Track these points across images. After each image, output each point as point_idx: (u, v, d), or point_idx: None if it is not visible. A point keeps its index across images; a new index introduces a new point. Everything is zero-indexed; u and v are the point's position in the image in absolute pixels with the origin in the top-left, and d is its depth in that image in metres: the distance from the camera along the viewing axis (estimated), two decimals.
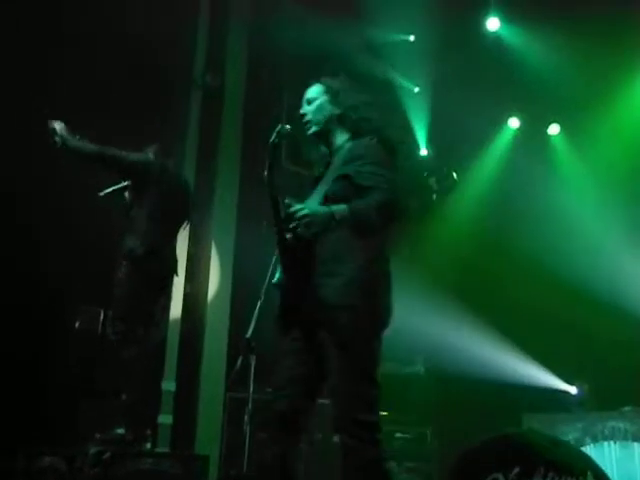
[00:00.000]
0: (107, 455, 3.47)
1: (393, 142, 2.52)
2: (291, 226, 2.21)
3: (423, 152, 7.28)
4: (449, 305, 6.19)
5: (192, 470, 3.81)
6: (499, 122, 7.08)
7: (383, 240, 2.43)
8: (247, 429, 2.98)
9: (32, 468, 3.52)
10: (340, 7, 5.81)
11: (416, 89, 6.97)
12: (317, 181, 2.56)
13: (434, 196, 7.19)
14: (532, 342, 6.10)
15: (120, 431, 3.73)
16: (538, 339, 6.09)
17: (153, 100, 5.12)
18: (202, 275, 5.61)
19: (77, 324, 4.55)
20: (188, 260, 5.43)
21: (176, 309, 5.34)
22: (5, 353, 4.22)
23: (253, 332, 2.51)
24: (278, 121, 2.50)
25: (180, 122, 5.70)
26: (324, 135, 2.58)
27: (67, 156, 3.85)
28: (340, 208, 2.26)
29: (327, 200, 2.36)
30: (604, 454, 4.87)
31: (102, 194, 4.02)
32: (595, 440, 4.98)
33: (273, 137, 2.35)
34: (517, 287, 6.35)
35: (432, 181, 7.18)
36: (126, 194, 4.13)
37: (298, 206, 2.23)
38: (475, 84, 6.34)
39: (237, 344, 2.56)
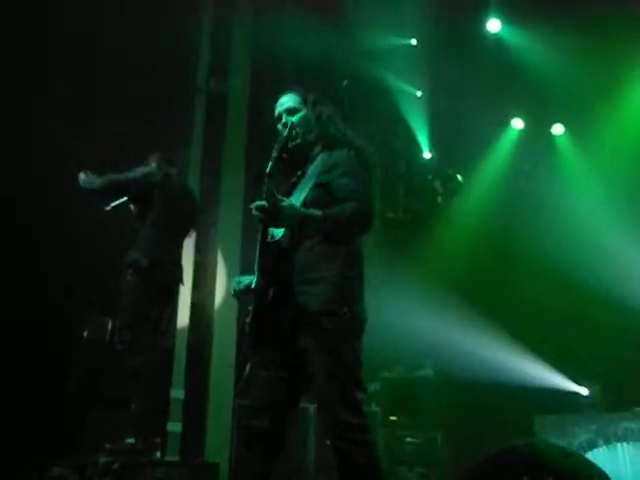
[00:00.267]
0: (117, 465, 3.46)
1: (367, 156, 2.60)
2: (267, 212, 2.29)
3: (427, 155, 7.27)
4: (457, 308, 6.16)
5: (202, 478, 3.80)
6: (503, 123, 7.06)
7: (357, 247, 2.52)
8: None
9: (43, 478, 3.51)
10: (342, 13, 5.82)
11: (418, 93, 6.97)
12: (291, 188, 2.61)
13: (439, 199, 7.18)
14: (542, 343, 6.06)
15: (130, 440, 3.71)
16: (547, 340, 6.05)
17: (157, 106, 5.13)
18: (209, 283, 5.60)
19: (85, 333, 4.55)
20: (194, 268, 5.43)
21: (184, 318, 5.34)
22: (14, 363, 4.22)
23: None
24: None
25: (184, 128, 5.71)
26: (305, 145, 2.63)
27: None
28: (316, 211, 2.36)
29: (305, 207, 2.44)
30: (617, 455, 4.82)
31: (109, 208, 4.03)
32: (608, 442, 4.92)
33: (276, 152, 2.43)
34: (525, 288, 6.32)
35: (437, 184, 7.18)
36: (131, 206, 4.15)
37: (280, 197, 2.32)
38: (478, 86, 6.35)
39: (245, 351, 2.54)
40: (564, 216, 6.26)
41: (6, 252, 4.33)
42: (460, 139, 6.73)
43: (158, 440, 3.94)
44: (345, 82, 6.71)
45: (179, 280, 4.19)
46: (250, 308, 2.43)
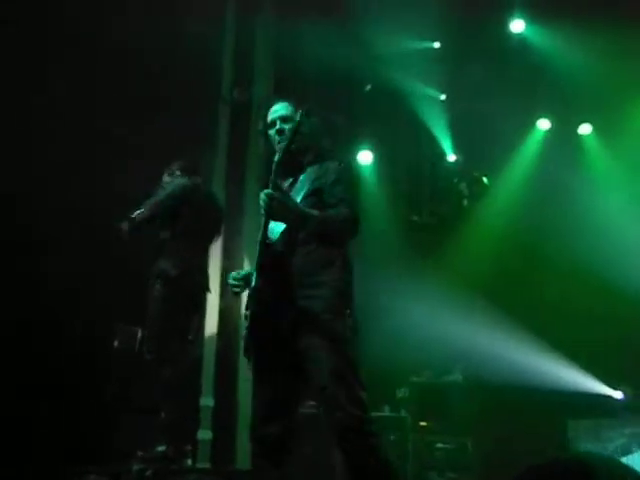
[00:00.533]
0: (150, 472, 3.50)
1: (356, 169, 2.77)
2: (274, 201, 2.37)
3: (451, 158, 7.23)
4: (485, 311, 6.11)
5: None
6: (528, 124, 6.99)
7: (348, 252, 2.61)
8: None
9: None
10: (363, 18, 5.83)
11: (442, 96, 6.94)
12: None
13: (465, 202, 7.13)
14: (572, 346, 5.97)
15: (161, 448, 3.75)
16: (578, 342, 5.96)
17: (182, 115, 5.19)
18: None
19: (115, 343, 4.61)
20: (221, 275, 5.46)
21: (212, 325, 5.38)
22: (46, 372, 4.29)
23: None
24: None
25: (209, 137, 5.76)
26: (295, 154, 2.67)
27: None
28: (314, 212, 2.48)
29: None
30: None
31: (133, 216, 4.08)
32: None
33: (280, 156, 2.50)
34: (554, 289, 6.25)
35: (463, 186, 7.13)
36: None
37: (285, 191, 2.46)
38: (502, 87, 6.30)
39: (245, 356, 2.58)
40: (592, 216, 6.17)
41: (47, 271, 4.41)
42: (485, 141, 6.67)
43: (189, 448, 3.97)
44: (368, 87, 6.72)
45: (206, 288, 4.22)
46: (247, 312, 2.47)
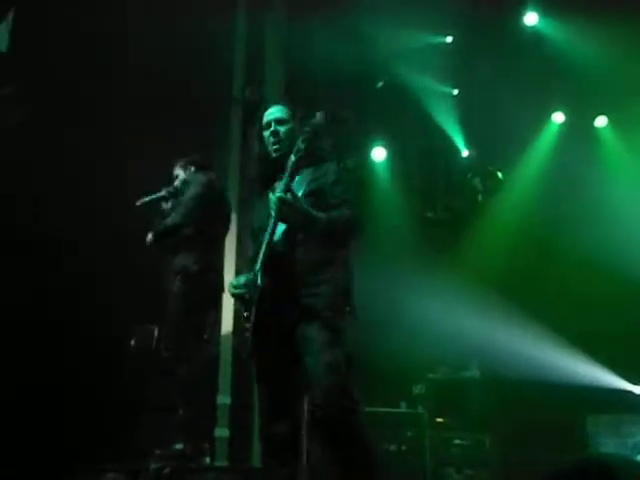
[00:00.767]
0: (168, 470, 3.52)
1: (356, 170, 2.82)
2: (285, 204, 2.41)
3: (465, 153, 7.19)
4: (500, 306, 6.07)
5: None
6: (543, 118, 6.92)
7: (350, 252, 2.68)
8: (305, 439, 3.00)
9: None
10: (375, 14, 5.81)
11: (455, 91, 6.90)
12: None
13: (479, 197, 7.09)
14: (591, 340, 5.91)
15: (179, 446, 3.77)
16: (597, 337, 5.90)
17: (194, 116, 5.22)
18: None
19: (132, 342, 4.64)
20: (235, 273, 5.47)
21: (227, 323, 5.40)
22: (63, 371, 4.34)
23: None
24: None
25: (221, 137, 5.79)
26: (288, 157, 2.69)
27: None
28: (320, 214, 2.51)
29: None
30: None
31: (139, 203, 4.07)
32: None
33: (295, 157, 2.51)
34: (571, 284, 6.18)
35: (477, 182, 7.09)
36: (163, 204, 4.16)
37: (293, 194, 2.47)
38: (516, 81, 6.25)
39: (248, 353, 2.62)
40: (608, 209, 6.11)
41: (61, 271, 4.46)
42: (499, 136, 6.62)
43: (206, 446, 3.99)
44: (380, 83, 6.70)
45: (222, 286, 4.23)
46: (247, 313, 2.52)
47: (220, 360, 5.28)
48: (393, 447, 5.36)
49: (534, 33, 6.37)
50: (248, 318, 2.52)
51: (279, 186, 2.54)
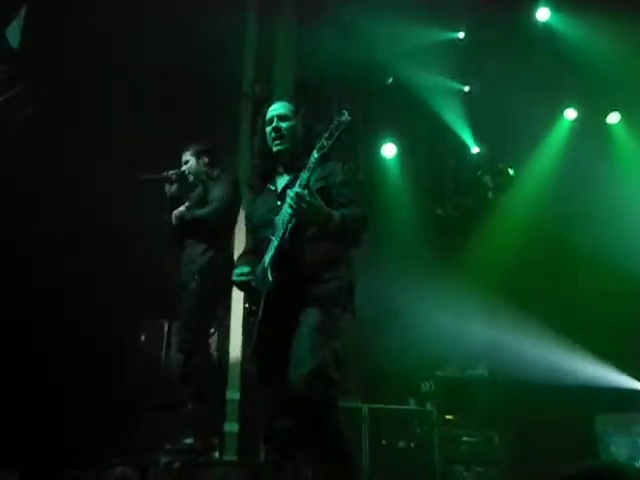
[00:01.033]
0: (177, 465, 3.54)
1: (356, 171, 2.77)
2: (303, 201, 2.40)
3: (475, 150, 7.16)
4: (510, 305, 6.04)
5: (261, 477, 3.84)
6: (555, 114, 6.88)
7: (352, 252, 2.72)
8: None
9: (106, 478, 3.62)
10: (385, 10, 5.79)
11: (466, 88, 6.87)
12: (281, 193, 2.71)
13: (490, 194, 7.06)
14: (602, 339, 5.87)
15: (188, 441, 3.79)
16: (607, 336, 5.85)
17: (204, 112, 5.23)
18: None
19: (142, 337, 4.67)
20: None
21: (236, 318, 5.42)
22: (63, 371, 4.38)
23: None
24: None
25: (232, 133, 5.80)
26: (290, 151, 2.74)
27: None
28: (335, 212, 2.52)
29: None
30: None
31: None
32: None
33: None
34: (583, 283, 6.14)
35: (487, 179, 7.05)
36: (167, 185, 4.10)
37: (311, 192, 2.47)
38: (527, 77, 6.21)
39: (255, 350, 2.64)
40: (620, 206, 6.07)
41: (65, 268, 4.49)
42: (510, 132, 6.58)
43: (216, 440, 4.01)
44: (389, 80, 6.67)
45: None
46: (253, 308, 2.55)
47: (229, 355, 5.30)
48: (402, 444, 5.36)
49: (546, 28, 6.32)
50: (255, 312, 2.54)
51: (297, 181, 2.53)
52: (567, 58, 6.24)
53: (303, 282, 2.54)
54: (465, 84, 6.85)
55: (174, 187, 4.09)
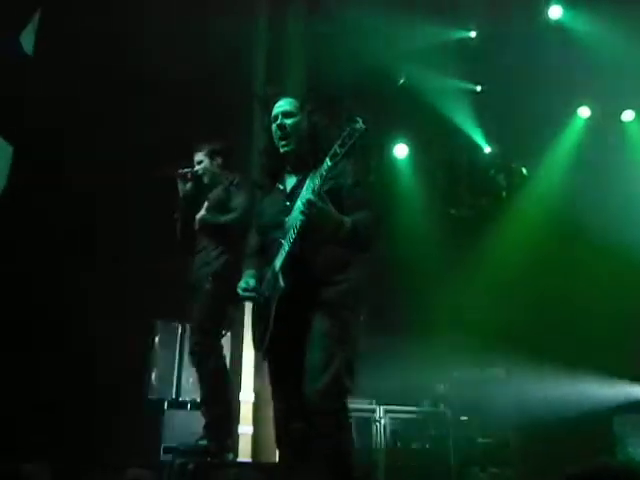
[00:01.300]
0: (192, 466, 3.54)
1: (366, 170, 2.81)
2: (315, 208, 2.38)
3: (487, 150, 7.12)
4: (526, 304, 6.00)
5: (274, 479, 3.83)
6: (569, 112, 6.83)
7: (365, 256, 2.69)
8: None
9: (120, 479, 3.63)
10: (397, 10, 5.78)
11: (478, 87, 6.84)
12: (291, 194, 2.69)
13: (504, 193, 7.03)
14: (618, 337, 5.79)
15: (202, 442, 3.79)
16: (625, 335, 5.78)
17: (216, 113, 5.24)
18: None
19: (156, 339, 4.68)
20: None
21: (250, 321, 5.41)
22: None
23: None
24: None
25: (243, 134, 5.80)
26: (296, 151, 2.70)
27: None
28: (346, 218, 2.48)
29: None
30: None
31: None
32: None
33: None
34: (597, 281, 6.07)
35: (500, 178, 7.02)
36: (181, 185, 4.07)
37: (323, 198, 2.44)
38: (540, 75, 6.17)
39: (266, 350, 2.64)
40: (635, 205, 6.00)
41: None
42: (523, 131, 6.55)
43: (230, 442, 4.01)
44: (402, 80, 6.66)
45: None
46: (264, 312, 2.54)
47: (243, 357, 5.30)
48: (417, 446, 5.33)
49: (558, 26, 6.29)
50: (265, 318, 2.54)
51: (307, 187, 2.53)
52: (580, 56, 6.20)
53: (313, 285, 2.54)
54: (477, 84, 6.83)
55: (188, 186, 4.08)
